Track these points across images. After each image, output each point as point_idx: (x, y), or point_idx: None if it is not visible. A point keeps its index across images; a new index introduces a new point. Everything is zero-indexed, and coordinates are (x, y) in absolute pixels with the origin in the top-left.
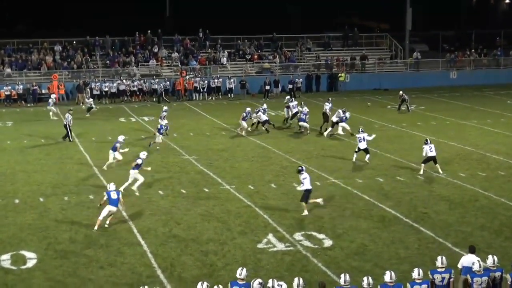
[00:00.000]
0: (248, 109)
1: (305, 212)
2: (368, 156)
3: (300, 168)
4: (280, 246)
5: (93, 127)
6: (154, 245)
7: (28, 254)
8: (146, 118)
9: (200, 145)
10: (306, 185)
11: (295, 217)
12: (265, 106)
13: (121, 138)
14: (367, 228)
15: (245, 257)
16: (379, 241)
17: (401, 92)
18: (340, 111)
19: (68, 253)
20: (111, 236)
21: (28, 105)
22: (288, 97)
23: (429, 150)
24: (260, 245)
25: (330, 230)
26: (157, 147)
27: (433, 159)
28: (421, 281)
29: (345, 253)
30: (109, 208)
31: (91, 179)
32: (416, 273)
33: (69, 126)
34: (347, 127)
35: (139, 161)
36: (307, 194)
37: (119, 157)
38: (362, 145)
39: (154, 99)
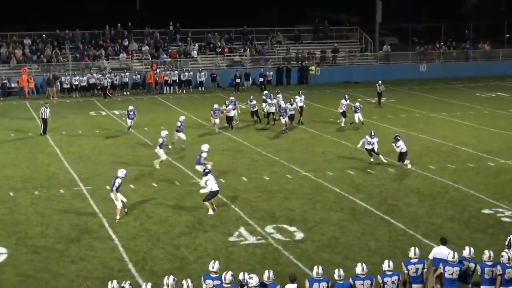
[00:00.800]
0: (216, 105)
1: (210, 212)
2: (380, 156)
3: (205, 170)
4: (252, 239)
5: (64, 120)
6: (126, 239)
7: None
8: (116, 112)
9: (171, 139)
10: (210, 186)
11: (267, 210)
12: (232, 98)
13: (164, 133)
14: (338, 221)
15: (217, 251)
16: (350, 233)
17: (380, 82)
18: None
19: (39, 248)
20: (82, 231)
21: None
22: (266, 92)
23: (403, 146)
24: (231, 238)
25: (302, 223)
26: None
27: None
28: (391, 272)
29: (316, 245)
30: None
31: (61, 173)
32: (386, 265)
33: (45, 120)
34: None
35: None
36: (211, 195)
37: (163, 156)
38: (369, 146)
39: (125, 93)
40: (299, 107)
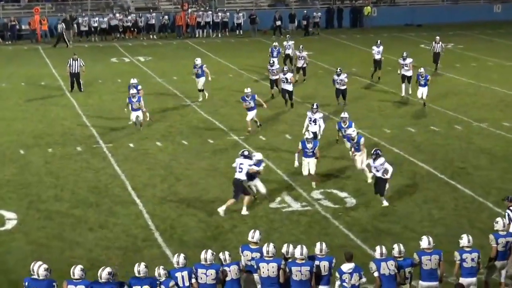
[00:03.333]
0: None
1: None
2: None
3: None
4: (296, 206)
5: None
6: (151, 204)
7: (7, 214)
8: (141, 58)
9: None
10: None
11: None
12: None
13: (248, 90)
14: (395, 185)
15: (256, 218)
16: (410, 200)
17: (437, 38)
18: None
19: (53, 213)
20: (102, 194)
21: (6, 42)
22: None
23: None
24: (272, 205)
25: (354, 188)
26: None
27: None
28: (471, 249)
29: (370, 213)
30: None
31: (78, 128)
32: (465, 240)
33: (75, 75)
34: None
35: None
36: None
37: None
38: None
39: (151, 36)
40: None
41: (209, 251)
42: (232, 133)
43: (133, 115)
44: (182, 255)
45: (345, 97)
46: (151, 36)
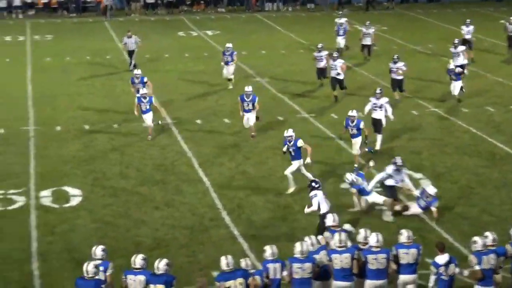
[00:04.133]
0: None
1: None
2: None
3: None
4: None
5: (147, 42)
6: (219, 183)
7: (71, 190)
8: (209, 32)
9: (274, 65)
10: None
11: (387, 153)
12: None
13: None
14: (473, 167)
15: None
16: (488, 182)
17: None
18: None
19: (118, 191)
20: (168, 172)
21: (71, 15)
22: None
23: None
24: (344, 185)
25: (429, 169)
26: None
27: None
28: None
29: (447, 196)
30: None
31: None
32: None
33: (130, 52)
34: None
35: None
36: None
37: None
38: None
39: (219, 9)
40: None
41: (305, 244)
42: (302, 110)
43: (147, 119)
44: (274, 247)
45: (402, 88)
46: (218, 9)
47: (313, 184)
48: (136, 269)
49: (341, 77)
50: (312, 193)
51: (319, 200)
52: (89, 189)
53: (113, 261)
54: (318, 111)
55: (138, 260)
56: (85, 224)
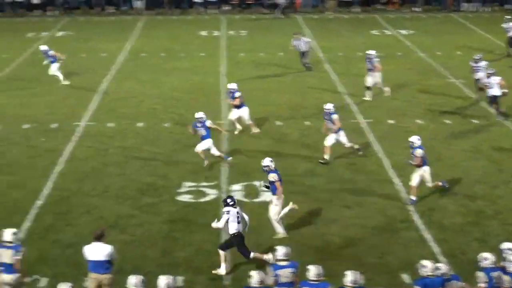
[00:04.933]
0: None
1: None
2: None
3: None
4: None
5: (339, 39)
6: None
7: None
8: (403, 32)
9: (469, 67)
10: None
11: None
12: None
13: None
14: None
15: None
16: None
17: None
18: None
19: (309, 188)
20: (359, 171)
21: (264, 11)
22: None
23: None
24: None
25: None
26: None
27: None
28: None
29: None
30: None
31: (334, 102)
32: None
33: (303, 54)
34: None
35: None
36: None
37: None
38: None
39: (414, 8)
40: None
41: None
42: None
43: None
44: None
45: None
46: (413, 9)
47: (228, 200)
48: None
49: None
50: (225, 209)
51: (228, 218)
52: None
53: (301, 259)
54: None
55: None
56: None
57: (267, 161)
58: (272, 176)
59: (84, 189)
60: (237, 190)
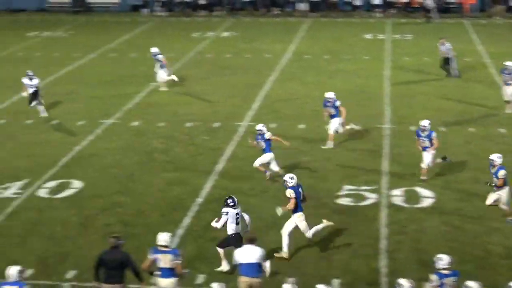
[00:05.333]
0: None
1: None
2: None
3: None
4: None
5: (508, 45)
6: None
7: (423, 191)
8: None
9: None
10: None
11: None
12: None
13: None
14: None
15: None
16: None
17: None
18: None
19: (471, 196)
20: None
21: (433, 16)
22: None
23: None
24: None
25: None
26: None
27: None
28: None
29: None
30: None
31: (501, 109)
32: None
33: (447, 60)
34: None
35: None
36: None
37: None
38: None
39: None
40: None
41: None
42: None
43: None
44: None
45: None
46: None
47: (228, 201)
48: None
49: None
50: (224, 209)
51: (228, 219)
52: (440, 192)
53: (460, 266)
54: None
55: None
56: (435, 226)
57: (286, 177)
58: (288, 192)
59: (243, 188)
60: (397, 195)
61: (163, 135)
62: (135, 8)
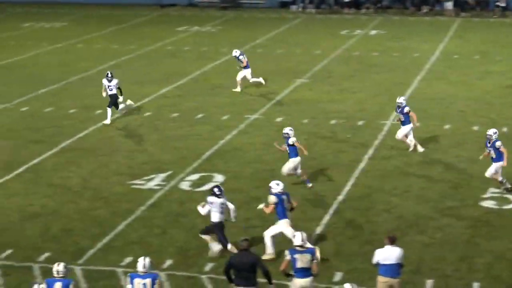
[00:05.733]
0: None
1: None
2: None
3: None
4: None
5: None
6: None
7: None
8: None
9: None
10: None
11: None
12: None
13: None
14: None
15: None
16: None
17: None
18: None
19: None
20: None
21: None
22: None
23: None
24: None
25: None
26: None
27: None
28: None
29: None
30: None
31: None
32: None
33: None
34: None
35: None
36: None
37: None
38: None
39: None
40: None
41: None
42: None
43: None
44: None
45: None
46: None
47: (215, 189)
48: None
49: None
50: (209, 198)
51: (212, 208)
52: None
53: None
54: None
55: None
56: None
57: (272, 183)
58: (270, 198)
59: (385, 187)
60: None
61: (306, 132)
62: (284, 5)
